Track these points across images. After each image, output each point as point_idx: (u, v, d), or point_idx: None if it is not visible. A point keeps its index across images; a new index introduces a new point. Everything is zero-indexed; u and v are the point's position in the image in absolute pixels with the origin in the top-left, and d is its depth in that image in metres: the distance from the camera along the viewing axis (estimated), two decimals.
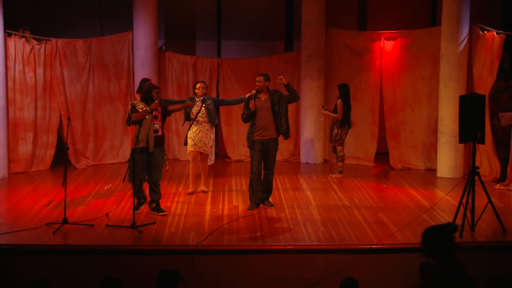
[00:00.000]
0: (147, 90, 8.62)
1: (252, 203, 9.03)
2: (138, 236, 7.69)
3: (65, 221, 7.91)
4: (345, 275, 5.59)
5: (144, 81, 10.51)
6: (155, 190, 8.63)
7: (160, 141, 8.58)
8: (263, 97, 9.03)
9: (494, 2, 13.02)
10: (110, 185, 10.50)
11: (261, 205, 9.12)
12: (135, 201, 8.48)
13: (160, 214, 8.61)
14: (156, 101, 8.46)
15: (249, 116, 8.98)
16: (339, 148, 11.20)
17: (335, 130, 11.15)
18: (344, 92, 11.10)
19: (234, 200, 9.57)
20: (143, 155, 8.45)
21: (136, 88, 12.52)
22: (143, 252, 7.31)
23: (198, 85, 9.84)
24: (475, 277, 5.48)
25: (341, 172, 11.28)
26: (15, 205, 9.17)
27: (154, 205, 8.68)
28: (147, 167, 8.56)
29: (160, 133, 8.60)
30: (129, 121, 8.61)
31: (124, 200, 9.24)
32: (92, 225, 8.04)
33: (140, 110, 8.41)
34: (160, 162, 8.64)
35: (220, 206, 9.20)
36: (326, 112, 11.17)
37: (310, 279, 7.04)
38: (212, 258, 7.24)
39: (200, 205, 9.25)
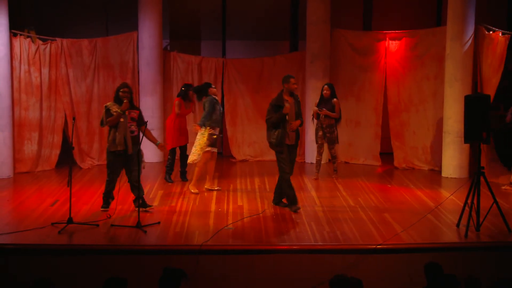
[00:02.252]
0: (116, 91, 8.73)
1: (295, 202, 8.93)
2: (143, 236, 7.70)
3: (70, 221, 7.92)
4: (350, 275, 5.57)
5: (186, 86, 10.74)
6: (137, 186, 8.72)
7: (136, 140, 8.67)
8: (290, 100, 8.88)
9: (499, 2, 12.99)
10: None
11: (274, 206, 9.14)
12: (103, 200, 8.79)
13: (147, 209, 8.77)
14: (125, 101, 8.52)
15: (280, 122, 8.74)
16: (334, 148, 11.13)
17: (336, 131, 11.00)
18: (334, 90, 11.05)
19: (239, 200, 9.57)
20: (121, 158, 8.57)
21: (140, 88, 12.59)
22: (148, 252, 7.31)
23: (213, 89, 9.99)
24: (480, 277, 5.48)
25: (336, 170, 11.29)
26: (21, 205, 9.20)
27: (140, 201, 8.69)
28: (126, 167, 8.68)
29: (136, 133, 8.70)
30: (102, 123, 8.67)
31: (128, 201, 9.26)
32: (97, 225, 8.05)
33: (114, 113, 8.49)
34: (139, 159, 8.72)
35: (225, 206, 9.20)
36: (326, 111, 10.91)
37: (315, 279, 7.02)
38: (217, 258, 7.24)
39: (205, 205, 9.25)
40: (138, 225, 7.90)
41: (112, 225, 8.06)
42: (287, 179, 8.89)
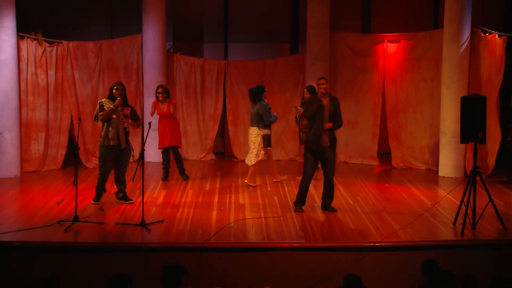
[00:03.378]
0: (110, 88, 9.03)
1: (301, 203, 8.94)
2: (147, 233, 7.71)
3: (76, 219, 7.95)
4: (349, 272, 5.58)
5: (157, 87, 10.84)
6: (122, 180, 9.07)
7: (127, 136, 9.02)
8: (326, 101, 8.69)
9: (496, 5, 12.98)
10: None
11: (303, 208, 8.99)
12: (96, 192, 9.02)
13: (127, 202, 9.05)
14: (118, 98, 8.78)
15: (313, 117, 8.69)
16: None
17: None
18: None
19: (241, 199, 9.58)
20: (113, 152, 8.86)
21: (144, 89, 12.58)
22: (152, 250, 7.32)
23: (266, 92, 10.41)
24: (476, 275, 5.49)
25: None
26: (28, 203, 9.21)
27: (121, 194, 9.11)
28: (116, 161, 8.98)
29: (128, 129, 9.02)
30: (96, 118, 8.96)
31: (133, 199, 9.28)
32: (102, 223, 8.06)
33: (107, 109, 8.76)
34: (128, 155, 9.10)
35: (227, 204, 9.21)
36: (301, 110, 10.68)
37: (315, 277, 7.03)
38: (219, 256, 7.25)
39: (207, 204, 9.26)
40: (142, 223, 7.92)
41: (117, 223, 8.08)
42: (303, 180, 8.85)
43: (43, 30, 11.89)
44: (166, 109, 10.59)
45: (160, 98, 10.56)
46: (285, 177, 10.85)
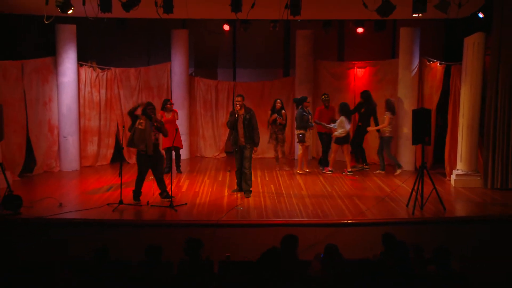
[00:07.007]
0: (144, 108, 8.26)
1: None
2: (174, 213, 7.74)
3: (121, 202, 7.98)
4: (328, 242, 5.59)
5: (164, 100, 10.74)
6: (161, 182, 8.39)
7: (157, 147, 8.36)
8: (241, 112, 8.94)
9: (438, 39, 12.95)
10: None
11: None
12: (135, 193, 8.33)
13: (171, 199, 8.29)
14: (154, 115, 8.22)
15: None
16: (284, 146, 11.19)
17: (284, 134, 11.03)
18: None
19: None
20: (143, 157, 8.18)
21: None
22: (178, 225, 7.36)
23: (307, 102, 10.57)
24: (423, 245, 5.50)
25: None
26: (85, 190, 9.23)
27: (164, 193, 8.44)
28: (151, 166, 8.30)
29: (158, 141, 8.40)
30: (132, 127, 8.24)
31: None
32: (141, 205, 8.09)
33: (141, 123, 8.07)
34: (160, 162, 8.46)
35: (235, 191, 9.20)
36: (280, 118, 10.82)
37: (302, 246, 6.98)
38: (229, 230, 7.28)
39: (220, 190, 9.28)
40: (171, 206, 7.94)
41: (152, 206, 8.10)
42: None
43: (97, 59, 11.93)
44: (171, 116, 10.54)
45: (169, 106, 10.56)
46: (308, 170, 10.74)
